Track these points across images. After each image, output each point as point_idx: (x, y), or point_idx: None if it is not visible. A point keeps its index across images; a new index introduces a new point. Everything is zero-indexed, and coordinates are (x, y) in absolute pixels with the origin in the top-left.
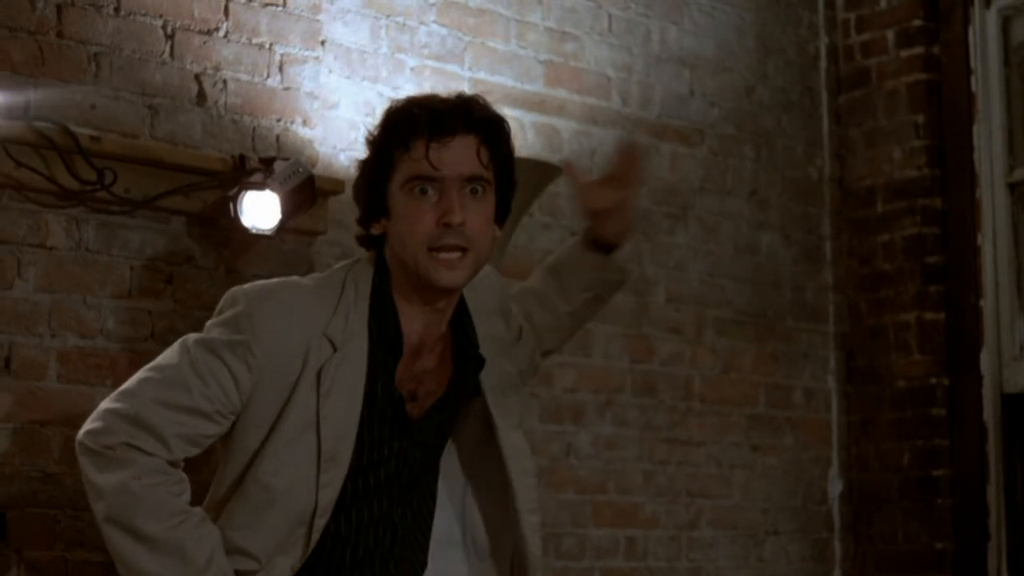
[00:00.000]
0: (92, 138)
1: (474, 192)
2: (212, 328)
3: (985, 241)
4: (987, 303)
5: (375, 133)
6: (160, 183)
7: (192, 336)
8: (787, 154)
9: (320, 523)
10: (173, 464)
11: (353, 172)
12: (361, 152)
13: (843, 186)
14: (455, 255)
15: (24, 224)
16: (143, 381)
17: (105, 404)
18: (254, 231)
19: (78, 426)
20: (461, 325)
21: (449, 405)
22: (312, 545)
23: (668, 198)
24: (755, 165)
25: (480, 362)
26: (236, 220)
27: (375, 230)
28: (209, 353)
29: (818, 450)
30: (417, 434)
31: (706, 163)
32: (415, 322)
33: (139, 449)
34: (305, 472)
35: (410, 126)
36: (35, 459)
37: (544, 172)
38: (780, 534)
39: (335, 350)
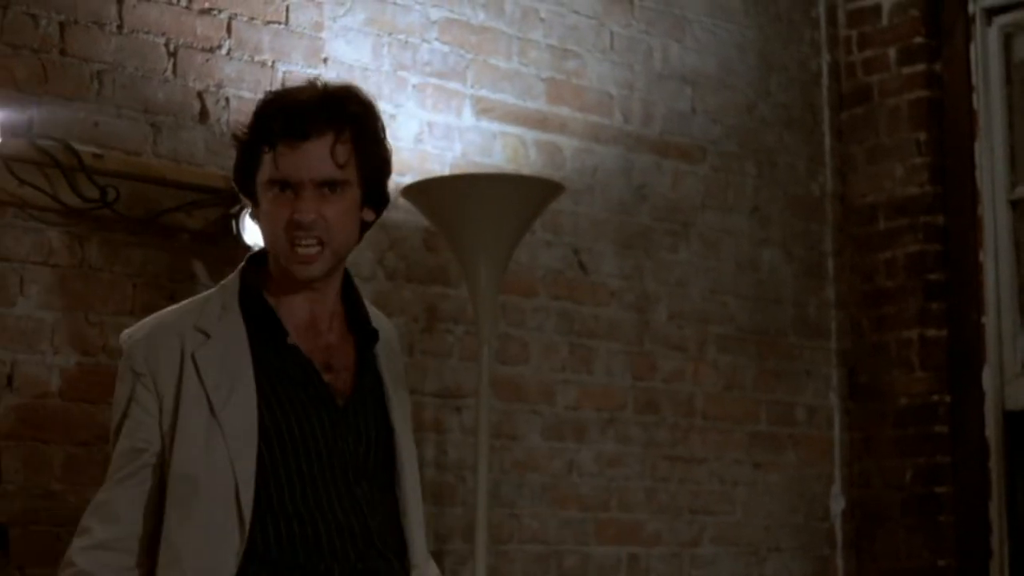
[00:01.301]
0: (95, 155)
1: (331, 190)
2: (116, 387)
3: (987, 258)
4: (989, 320)
5: (249, 123)
6: (162, 200)
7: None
8: (789, 171)
9: (247, 496)
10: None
11: None
12: None
13: (845, 203)
14: (312, 250)
15: (27, 241)
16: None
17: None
18: (256, 249)
19: (81, 443)
20: (352, 303)
21: (368, 383)
22: (247, 522)
23: (670, 215)
24: (757, 182)
25: (374, 333)
26: (238, 238)
27: (253, 218)
28: (117, 411)
29: (820, 467)
30: (350, 418)
31: (708, 180)
32: (298, 300)
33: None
34: (215, 449)
35: (268, 127)
36: (37, 476)
37: (546, 189)
38: (782, 551)
39: (208, 337)
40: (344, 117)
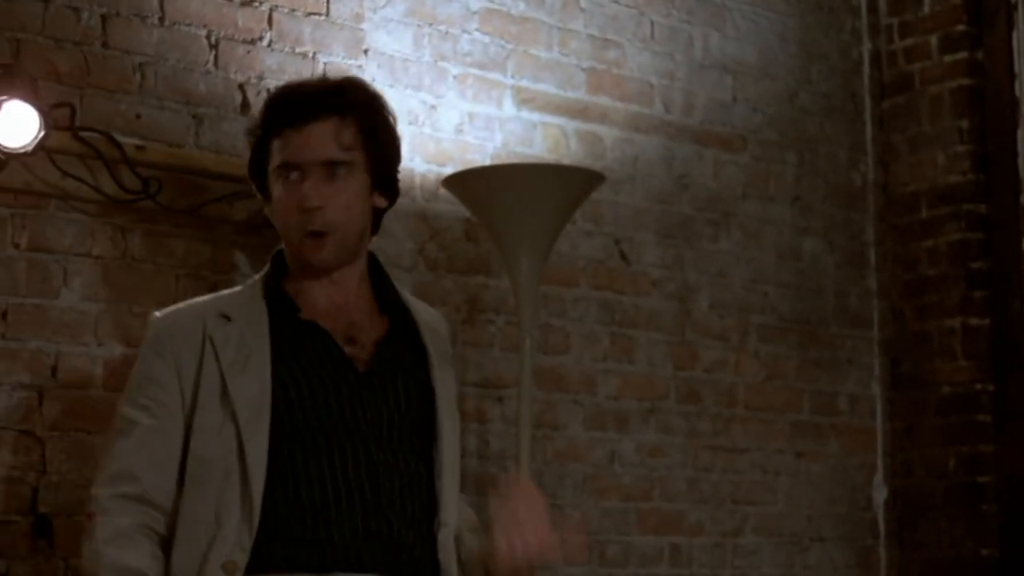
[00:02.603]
0: (137, 147)
1: (335, 173)
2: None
3: None
4: None
5: (255, 122)
6: (205, 192)
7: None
8: (830, 160)
9: (258, 471)
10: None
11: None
12: (407, 161)
13: (887, 192)
14: (319, 239)
15: (70, 234)
16: (105, 450)
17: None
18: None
19: None
20: (382, 289)
21: (394, 352)
22: (258, 497)
23: (711, 205)
24: (798, 171)
25: (404, 310)
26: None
27: (266, 211)
28: (138, 382)
29: (863, 456)
30: (375, 385)
31: (749, 169)
32: (317, 287)
33: (115, 504)
34: (229, 427)
35: (275, 115)
36: (81, 467)
37: (586, 179)
38: (825, 541)
39: (229, 320)
40: (348, 103)
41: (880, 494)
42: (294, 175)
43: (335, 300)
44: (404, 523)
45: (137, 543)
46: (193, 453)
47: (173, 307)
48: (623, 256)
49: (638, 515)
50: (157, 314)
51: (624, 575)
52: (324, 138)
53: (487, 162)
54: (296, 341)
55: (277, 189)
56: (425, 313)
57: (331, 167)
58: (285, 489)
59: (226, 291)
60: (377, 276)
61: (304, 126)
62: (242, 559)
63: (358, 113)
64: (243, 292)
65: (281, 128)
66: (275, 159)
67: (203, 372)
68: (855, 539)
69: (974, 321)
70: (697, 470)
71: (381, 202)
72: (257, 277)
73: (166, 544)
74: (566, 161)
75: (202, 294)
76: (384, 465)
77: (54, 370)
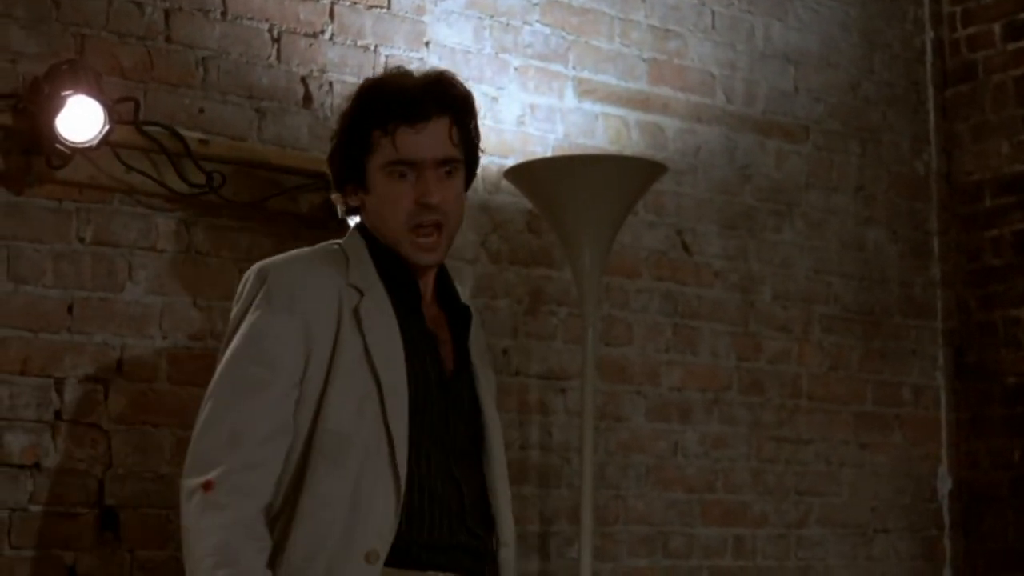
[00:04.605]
0: (201, 141)
1: (448, 172)
2: (250, 313)
3: None
4: None
5: (351, 110)
6: (268, 186)
7: (234, 343)
8: (893, 149)
9: (402, 456)
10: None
11: None
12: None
13: (950, 181)
14: (432, 238)
15: (134, 228)
16: (220, 403)
17: (196, 442)
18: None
19: (190, 427)
20: (442, 280)
21: (466, 359)
22: (404, 480)
23: (773, 195)
24: (861, 161)
25: (467, 310)
26: (343, 221)
27: (353, 201)
28: (261, 338)
29: (927, 447)
30: (454, 393)
31: (811, 159)
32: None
33: (239, 491)
34: (371, 408)
35: (388, 109)
36: (147, 460)
37: (648, 170)
38: (889, 532)
39: (362, 295)
40: (456, 100)
41: (944, 485)
42: (408, 171)
43: (423, 294)
44: (481, 538)
45: (258, 535)
46: (325, 426)
47: (283, 259)
48: (685, 247)
49: (702, 506)
50: (268, 264)
51: (688, 567)
52: (441, 136)
53: (549, 154)
54: (414, 335)
55: (385, 184)
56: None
57: (445, 164)
58: (412, 493)
59: (323, 252)
60: (440, 270)
61: (423, 124)
62: (384, 549)
63: (462, 111)
64: (356, 261)
65: (397, 124)
66: (385, 155)
67: (342, 344)
68: (919, 530)
69: None
70: (761, 461)
71: (464, 198)
72: (345, 245)
73: (275, 519)
74: (628, 152)
75: None
76: (463, 478)
77: (119, 363)
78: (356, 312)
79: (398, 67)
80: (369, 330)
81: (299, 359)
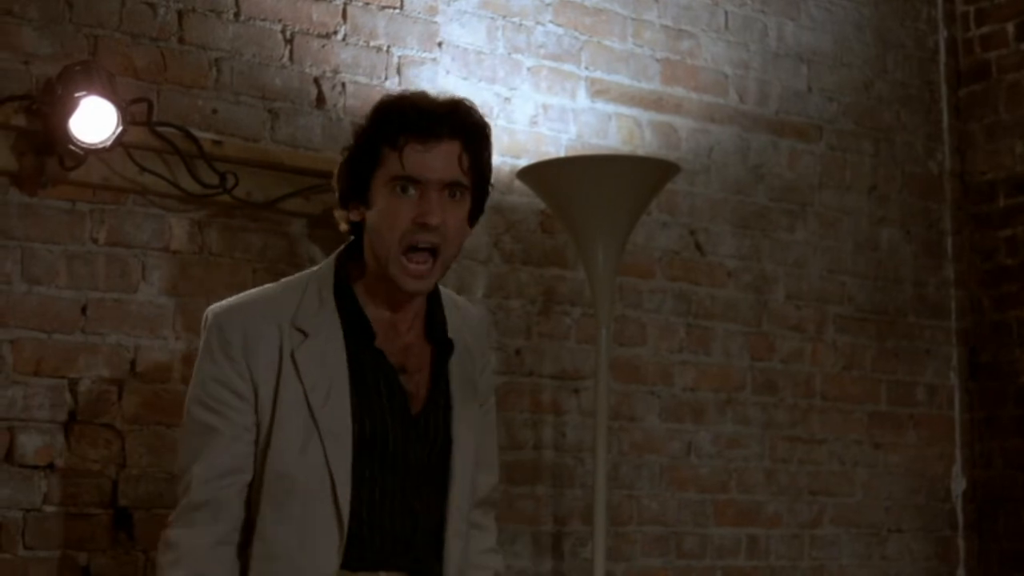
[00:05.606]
0: (214, 142)
1: (452, 195)
2: (199, 359)
3: None
4: None
5: (365, 124)
6: (281, 186)
7: (190, 389)
8: (906, 149)
9: (344, 496)
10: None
11: None
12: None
13: (964, 181)
14: (424, 265)
15: (148, 228)
16: (181, 448)
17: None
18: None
19: None
20: (432, 309)
21: (441, 389)
22: (346, 520)
23: (787, 195)
24: (874, 160)
25: (450, 344)
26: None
27: (354, 216)
28: (208, 384)
29: (941, 447)
30: (420, 427)
31: (825, 159)
32: (386, 302)
33: (187, 526)
34: (313, 449)
35: (400, 125)
36: (161, 460)
37: (662, 170)
38: (903, 532)
39: (306, 336)
40: (470, 127)
41: (959, 485)
42: (412, 190)
43: (400, 313)
44: (436, 570)
45: (205, 569)
46: (271, 467)
47: (233, 303)
48: (699, 247)
49: (715, 506)
50: (216, 309)
51: (701, 567)
52: (450, 159)
53: (561, 154)
54: (368, 370)
55: (387, 199)
56: (465, 314)
57: (451, 188)
58: (359, 529)
59: (286, 287)
60: (431, 298)
61: (434, 144)
62: None
63: (475, 139)
64: (310, 295)
65: (407, 141)
66: (391, 170)
67: (283, 388)
68: (934, 530)
69: None
70: (775, 461)
71: (468, 231)
72: (320, 273)
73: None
74: (641, 152)
75: None
76: (422, 512)
77: (133, 364)
78: (293, 357)
79: (420, 90)
80: (306, 374)
81: (246, 403)
